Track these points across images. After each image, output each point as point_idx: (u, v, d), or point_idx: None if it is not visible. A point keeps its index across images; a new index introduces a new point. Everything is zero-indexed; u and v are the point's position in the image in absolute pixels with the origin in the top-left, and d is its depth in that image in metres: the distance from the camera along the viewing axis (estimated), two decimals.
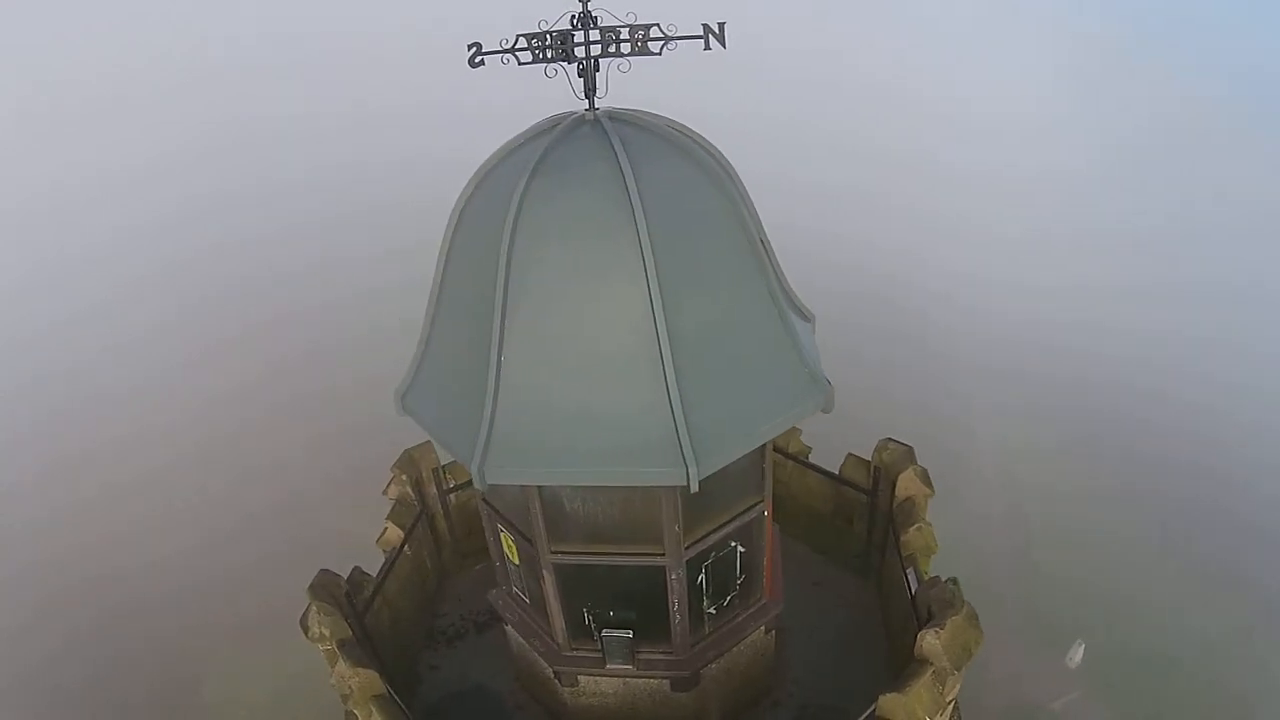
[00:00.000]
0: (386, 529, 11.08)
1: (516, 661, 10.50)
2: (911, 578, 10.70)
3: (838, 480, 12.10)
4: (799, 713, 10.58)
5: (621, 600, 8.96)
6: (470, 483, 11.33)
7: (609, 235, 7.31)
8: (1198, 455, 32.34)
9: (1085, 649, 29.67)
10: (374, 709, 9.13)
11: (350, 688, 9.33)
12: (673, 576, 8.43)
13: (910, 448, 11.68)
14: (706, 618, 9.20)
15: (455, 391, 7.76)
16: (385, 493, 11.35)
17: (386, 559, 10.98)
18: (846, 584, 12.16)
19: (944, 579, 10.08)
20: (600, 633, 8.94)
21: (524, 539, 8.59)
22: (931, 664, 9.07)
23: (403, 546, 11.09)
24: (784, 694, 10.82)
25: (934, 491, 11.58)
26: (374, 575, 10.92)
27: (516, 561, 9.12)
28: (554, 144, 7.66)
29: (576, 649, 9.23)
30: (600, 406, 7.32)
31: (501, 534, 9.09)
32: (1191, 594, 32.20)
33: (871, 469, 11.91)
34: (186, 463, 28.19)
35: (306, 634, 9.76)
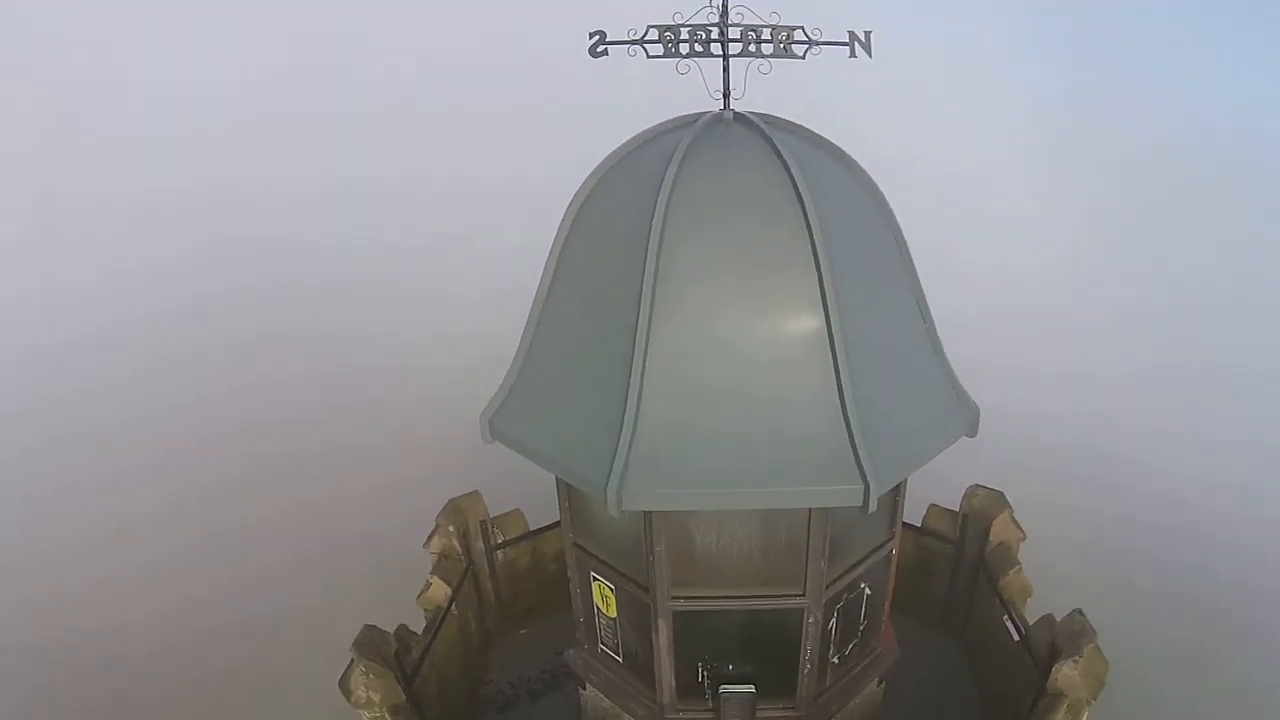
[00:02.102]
0: (430, 585, 9.74)
1: None
2: (1010, 623, 9.97)
3: (920, 532, 10.81)
4: None
5: (744, 651, 7.65)
6: (521, 539, 10.12)
7: (777, 223, 6.29)
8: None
9: None
10: None
11: None
12: (809, 620, 7.22)
13: (1001, 493, 10.71)
14: (829, 668, 7.86)
15: (573, 408, 6.51)
16: (426, 546, 9.99)
17: (433, 618, 9.52)
18: (929, 641, 11.05)
19: (1070, 611, 9.17)
20: (718, 689, 7.47)
21: (634, 585, 7.24)
22: (1067, 697, 8.12)
23: (450, 605, 9.68)
24: None
25: (1025, 535, 10.59)
26: (419, 635, 9.41)
27: (613, 614, 7.74)
28: (699, 137, 6.70)
29: (685, 710, 7.85)
30: (766, 420, 6.16)
31: (596, 583, 7.68)
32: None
33: (959, 518, 10.90)
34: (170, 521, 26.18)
35: (349, 698, 8.33)
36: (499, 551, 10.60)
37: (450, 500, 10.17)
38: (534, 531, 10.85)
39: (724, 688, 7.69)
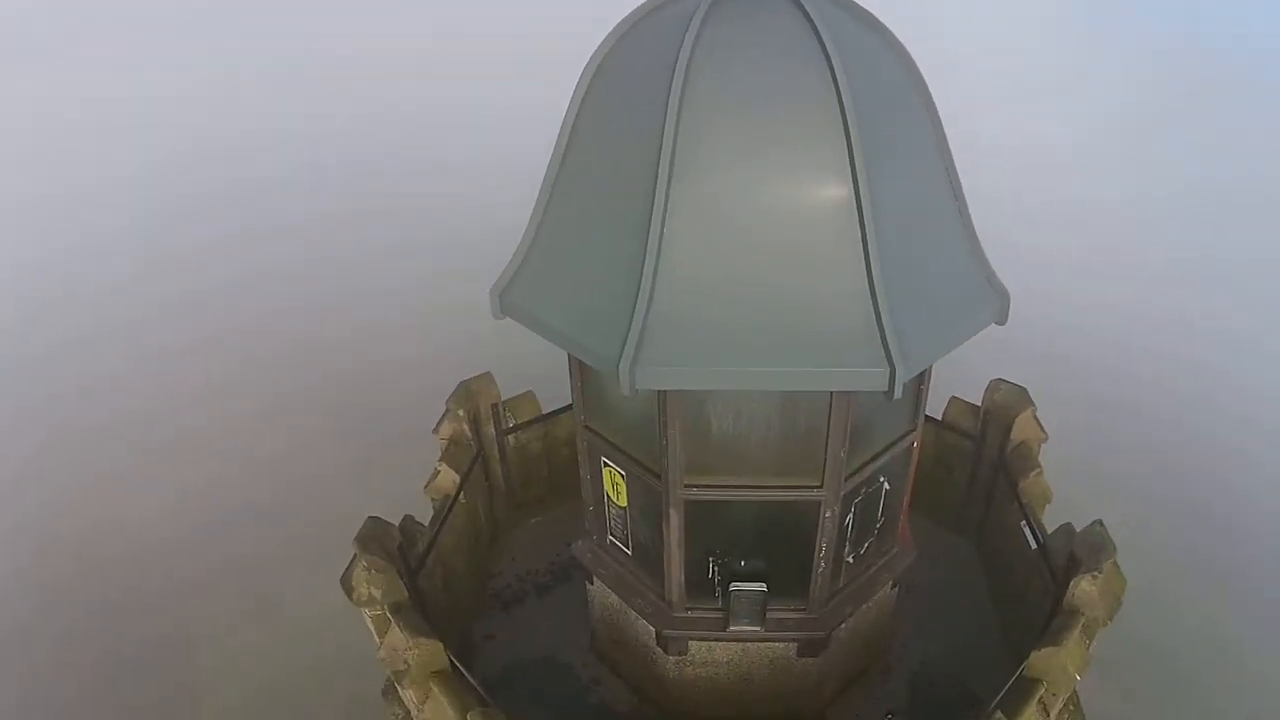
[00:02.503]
0: (439, 472, 9.38)
1: (597, 628, 8.89)
2: (1028, 530, 9.52)
3: (940, 425, 10.36)
4: (911, 679, 9.30)
5: (756, 547, 7.34)
6: (533, 422, 9.74)
7: (806, 88, 5.80)
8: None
9: None
10: (435, 687, 7.48)
11: (406, 662, 7.68)
12: (826, 514, 6.87)
13: (1024, 389, 10.24)
14: (844, 567, 7.55)
15: (586, 281, 6.11)
16: (436, 431, 9.62)
17: (439, 508, 9.23)
18: (943, 540, 10.80)
19: (1091, 522, 8.80)
20: (728, 587, 7.14)
21: (646, 471, 6.89)
22: (1083, 615, 7.77)
23: (458, 493, 9.39)
24: (893, 659, 9.47)
25: (1048, 436, 10.13)
26: (425, 526, 9.09)
27: (623, 503, 7.40)
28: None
29: (693, 608, 7.54)
30: (789, 293, 5.77)
31: (607, 470, 7.33)
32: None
33: (981, 413, 10.43)
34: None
35: (350, 595, 8.07)
36: (510, 436, 10.22)
37: (461, 383, 9.75)
38: (547, 414, 10.44)
39: (734, 585, 7.38)
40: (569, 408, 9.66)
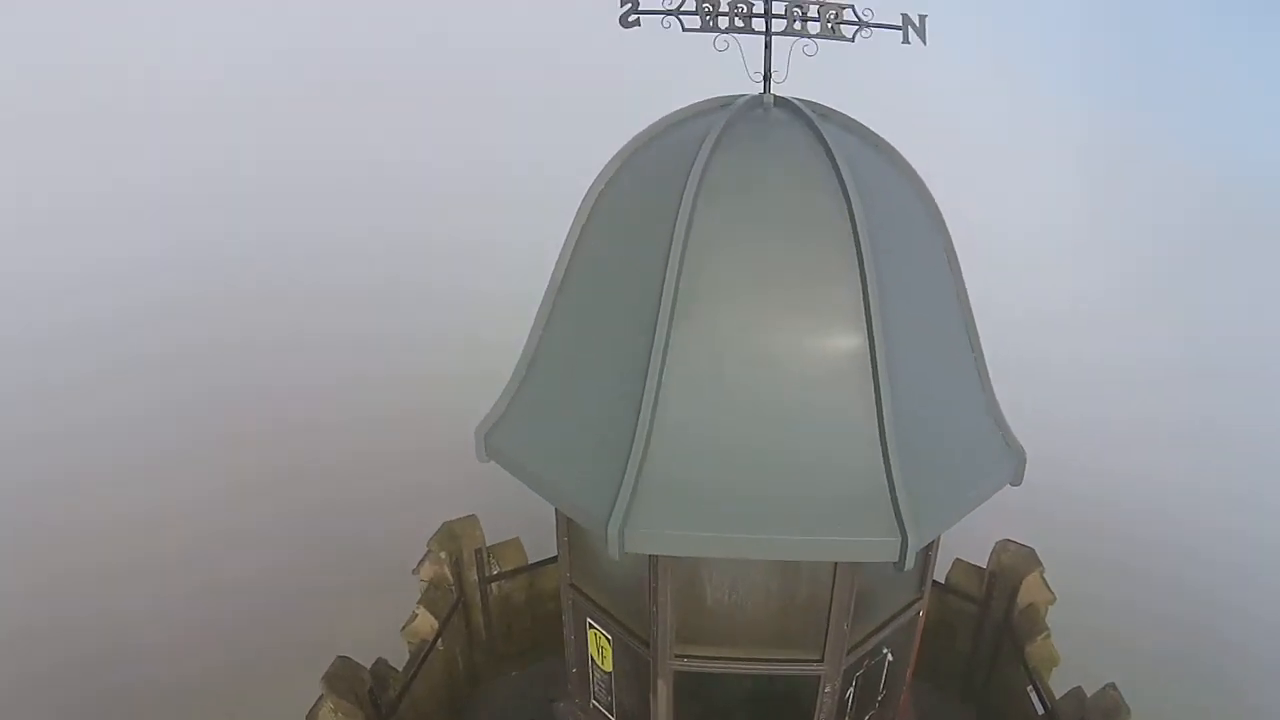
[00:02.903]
0: (416, 615, 8.88)
1: None
2: (1035, 695, 9.06)
3: (944, 589, 9.88)
4: None
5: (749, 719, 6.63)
6: (518, 571, 9.23)
7: (820, 225, 5.44)
8: None
9: None
10: None
11: None
12: (825, 689, 6.32)
13: (1033, 550, 9.81)
14: None
15: (578, 428, 5.69)
16: (416, 571, 9.04)
17: (415, 652, 8.68)
18: (944, 709, 10.19)
19: (1103, 686, 8.36)
20: None
21: (634, 638, 6.34)
22: None
23: (436, 639, 8.87)
24: None
25: (1056, 598, 9.78)
26: (399, 670, 8.53)
27: (608, 668, 6.85)
28: (735, 120, 5.90)
29: None
30: (794, 455, 5.29)
31: (592, 632, 6.79)
32: None
33: (986, 575, 9.98)
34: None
35: None
36: (494, 584, 9.65)
37: (445, 523, 9.25)
38: (533, 565, 9.93)
39: None
40: (556, 559, 9.20)
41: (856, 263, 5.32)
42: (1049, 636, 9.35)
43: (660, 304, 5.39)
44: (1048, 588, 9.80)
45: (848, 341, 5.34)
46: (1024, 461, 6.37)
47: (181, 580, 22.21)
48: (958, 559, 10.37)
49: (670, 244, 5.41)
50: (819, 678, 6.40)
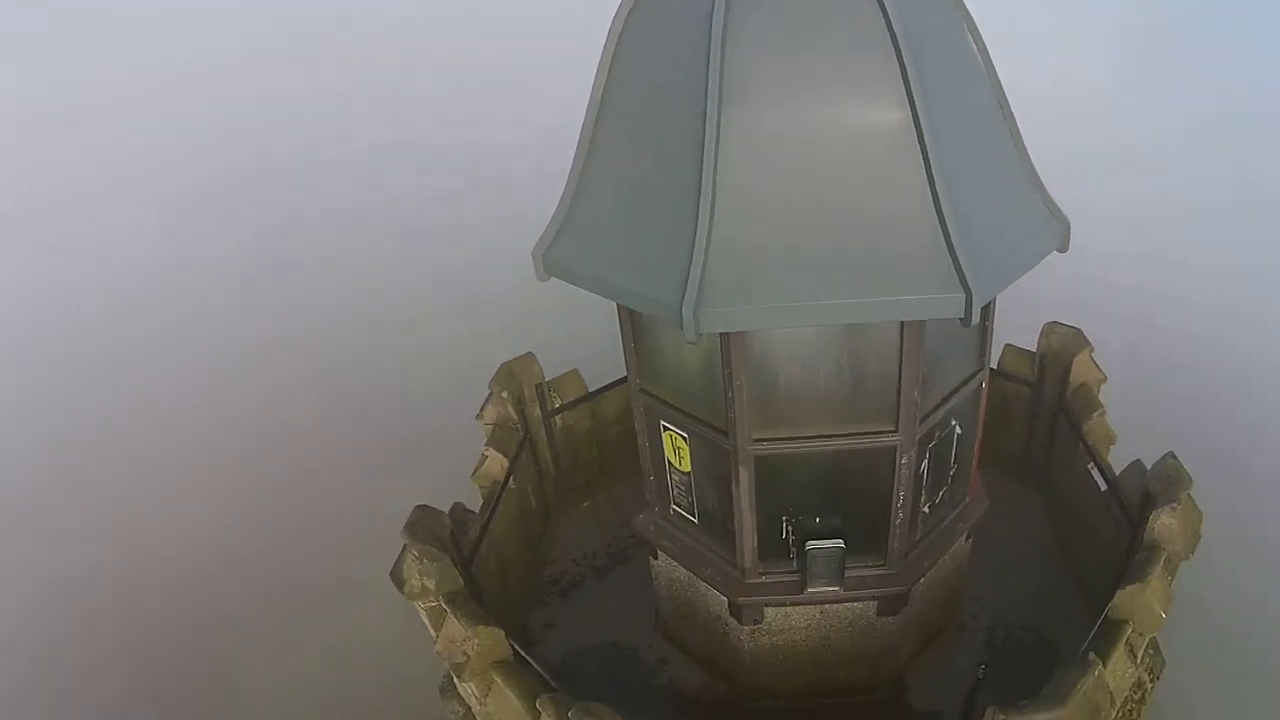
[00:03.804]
0: (486, 458, 9.16)
1: (662, 605, 8.63)
2: (1095, 472, 9.36)
3: (996, 374, 10.19)
4: (988, 634, 9.06)
5: (830, 503, 7.07)
6: (579, 401, 9.49)
7: (853, 12, 5.57)
8: None
9: None
10: (498, 677, 7.26)
11: (466, 654, 7.44)
12: (902, 461, 6.63)
13: (1080, 330, 10.03)
14: (920, 518, 7.25)
15: (636, 228, 5.87)
16: (480, 416, 9.39)
17: (488, 495, 9.02)
18: (1006, 491, 10.37)
19: (1163, 455, 8.56)
20: (804, 547, 6.86)
21: (710, 429, 6.61)
22: (1165, 550, 7.52)
23: (508, 479, 9.14)
24: (968, 615, 9.23)
25: (1106, 377, 9.99)
26: (476, 513, 8.86)
27: (686, 468, 7.12)
28: None
29: (767, 573, 7.30)
30: (852, 221, 5.45)
31: (667, 434, 7.05)
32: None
33: (1037, 358, 10.25)
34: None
35: (401, 588, 7.78)
36: (557, 417, 9.98)
37: (503, 364, 9.50)
38: (593, 392, 10.22)
39: (810, 543, 7.13)
40: (615, 384, 9.50)
41: (892, 43, 5.48)
42: (1104, 414, 9.61)
43: (705, 101, 5.54)
44: (1098, 367, 9.99)
45: (892, 112, 5.52)
46: (1068, 228, 6.52)
47: (246, 483, 22.91)
48: (1008, 345, 10.59)
49: (709, 38, 5.55)
50: (895, 448, 6.62)
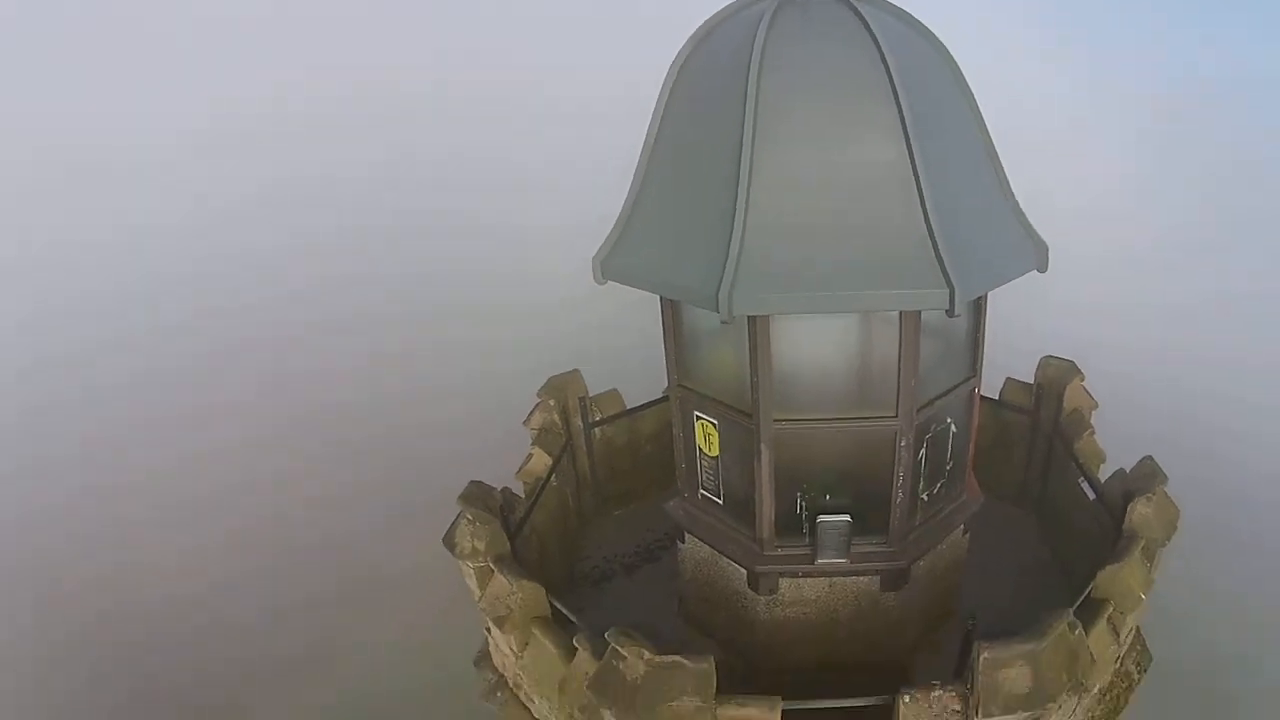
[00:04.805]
0: (532, 456, 10.76)
1: (686, 588, 10.11)
2: (1085, 485, 10.79)
3: (998, 405, 11.82)
4: (985, 624, 10.08)
5: (839, 483, 8.67)
6: (618, 416, 11.13)
7: (861, 66, 7.40)
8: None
9: None
10: (536, 630, 8.77)
11: (509, 607, 8.99)
12: (901, 443, 8.20)
13: (1073, 362, 11.65)
14: (919, 505, 8.83)
15: (682, 235, 7.62)
16: (527, 422, 10.95)
17: (532, 488, 10.62)
18: (1006, 516, 11.94)
19: (1141, 458, 10.21)
20: (816, 520, 8.43)
21: (737, 413, 8.22)
22: (1142, 537, 9.03)
23: (550, 476, 10.71)
24: (968, 613, 10.32)
25: (1098, 404, 11.50)
26: (522, 498, 10.51)
27: (715, 453, 8.75)
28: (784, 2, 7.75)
29: (782, 545, 8.86)
30: (857, 234, 7.23)
31: (699, 423, 8.68)
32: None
33: (1034, 388, 11.85)
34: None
35: (454, 550, 9.37)
36: (596, 430, 11.55)
37: (550, 377, 11.14)
38: (630, 410, 11.84)
39: (821, 518, 8.60)
40: (653, 404, 11.13)
41: (891, 93, 7.28)
42: (1093, 434, 11.14)
43: (744, 133, 7.29)
44: (1089, 394, 11.54)
45: (891, 149, 7.28)
46: (1047, 251, 8.20)
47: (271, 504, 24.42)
48: (1009, 378, 12.15)
49: (746, 87, 7.33)
50: (895, 432, 8.21)
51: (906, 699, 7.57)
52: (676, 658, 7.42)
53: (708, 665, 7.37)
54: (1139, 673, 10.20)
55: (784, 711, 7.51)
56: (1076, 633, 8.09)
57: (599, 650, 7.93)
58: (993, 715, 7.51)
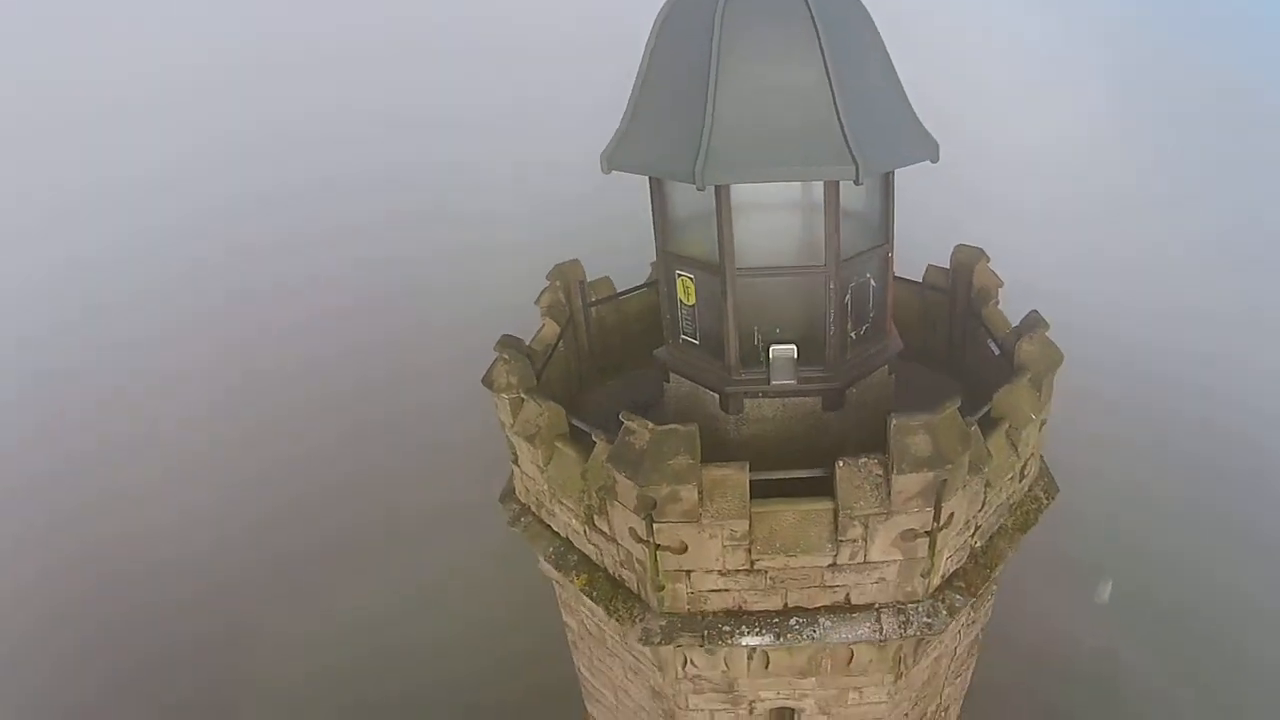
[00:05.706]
0: (544, 325, 14.04)
1: (671, 420, 13.30)
2: (992, 343, 14.02)
3: (921, 286, 15.33)
4: None
5: (787, 322, 12.00)
6: (610, 298, 14.59)
7: (794, 12, 10.68)
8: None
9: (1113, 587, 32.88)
10: (559, 444, 12.16)
11: (538, 425, 12.33)
12: (831, 286, 11.50)
13: (981, 248, 14.94)
14: (850, 342, 12.20)
15: (667, 136, 10.88)
16: (537, 302, 14.29)
17: (545, 349, 13.90)
18: (933, 380, 15.13)
19: (1029, 312, 13.47)
20: (770, 351, 11.84)
21: (710, 267, 11.60)
22: (1029, 369, 12.28)
23: (558, 341, 14.06)
24: None
25: (1003, 282, 14.84)
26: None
27: (692, 302, 12.10)
28: None
29: (745, 373, 12.15)
30: (791, 128, 10.55)
31: (680, 279, 12.09)
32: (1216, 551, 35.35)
33: (950, 272, 15.14)
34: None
35: (492, 386, 12.65)
36: (593, 309, 14.93)
37: (555, 265, 14.57)
38: (621, 292, 15.26)
39: (773, 348, 12.02)
40: (638, 288, 14.62)
41: (814, 31, 10.57)
42: (998, 304, 14.46)
43: (710, 61, 10.61)
44: (994, 274, 14.90)
45: (814, 69, 10.59)
46: (937, 146, 11.62)
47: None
48: (930, 264, 15.60)
49: (712, 33, 10.62)
50: (826, 278, 11.67)
51: (841, 464, 10.90)
52: (673, 425, 10.70)
53: (694, 430, 10.66)
54: (1047, 499, 13.54)
55: (751, 482, 10.79)
56: (973, 428, 11.36)
57: (613, 439, 11.33)
58: (904, 473, 10.71)
